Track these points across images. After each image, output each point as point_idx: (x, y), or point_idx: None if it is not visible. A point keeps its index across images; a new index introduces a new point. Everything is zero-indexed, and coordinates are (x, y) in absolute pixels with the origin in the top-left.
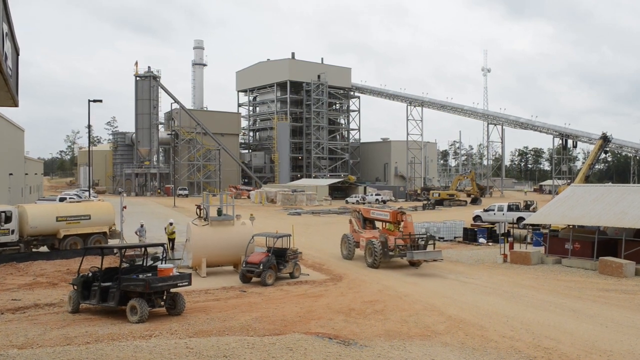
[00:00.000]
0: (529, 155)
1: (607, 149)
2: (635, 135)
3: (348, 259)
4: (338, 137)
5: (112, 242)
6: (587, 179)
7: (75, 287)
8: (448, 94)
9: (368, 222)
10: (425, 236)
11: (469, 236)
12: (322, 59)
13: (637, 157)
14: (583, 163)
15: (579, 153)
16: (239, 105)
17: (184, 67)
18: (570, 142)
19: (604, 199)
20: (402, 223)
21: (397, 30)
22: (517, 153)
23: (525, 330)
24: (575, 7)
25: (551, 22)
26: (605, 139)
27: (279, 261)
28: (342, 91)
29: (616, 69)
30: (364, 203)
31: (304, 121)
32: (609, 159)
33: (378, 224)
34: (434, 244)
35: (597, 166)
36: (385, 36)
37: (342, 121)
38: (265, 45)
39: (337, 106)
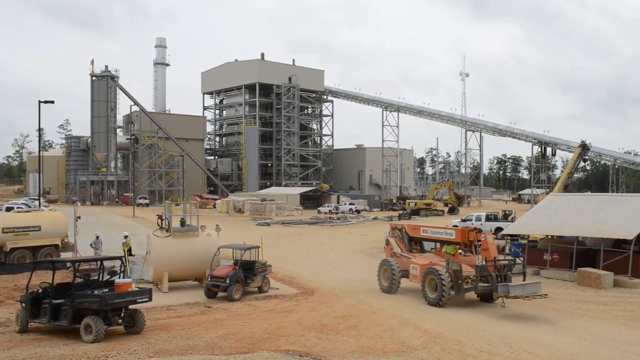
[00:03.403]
0: (508, 163)
1: (586, 157)
2: (611, 142)
3: (390, 292)
4: (310, 143)
5: (64, 255)
6: (566, 188)
7: (24, 304)
8: (417, 97)
9: (414, 243)
10: (510, 261)
11: None
12: (293, 60)
13: (616, 166)
14: (562, 171)
15: (556, 161)
16: (205, 108)
17: (135, 65)
18: (549, 149)
19: (583, 209)
20: (480, 244)
21: (358, 29)
22: (495, 161)
23: (503, 344)
24: (542, 7)
25: (518, 22)
26: (584, 147)
27: (247, 275)
28: (314, 95)
29: (588, 73)
30: (337, 212)
31: (274, 126)
32: (588, 167)
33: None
34: (524, 272)
35: (576, 175)
36: (346, 35)
37: (315, 126)
38: (217, 43)
39: (309, 110)
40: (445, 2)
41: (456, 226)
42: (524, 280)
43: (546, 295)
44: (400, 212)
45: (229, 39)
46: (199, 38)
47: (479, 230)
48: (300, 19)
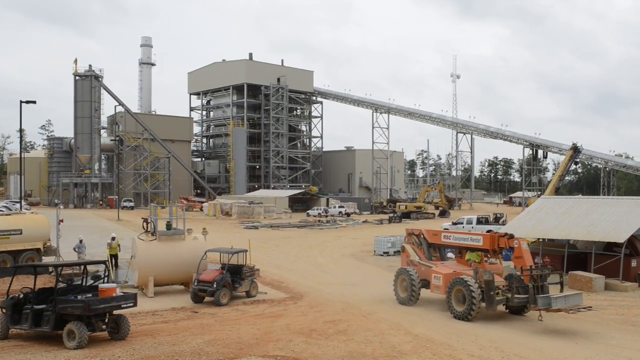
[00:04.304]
0: (499, 165)
1: (578, 160)
2: (602, 144)
3: (408, 304)
4: (299, 145)
5: (46, 259)
6: (557, 191)
7: (4, 310)
8: (404, 98)
9: (432, 250)
10: (545, 270)
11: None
12: (282, 60)
13: (607, 169)
14: (553, 174)
15: (548, 164)
16: (191, 109)
17: (116, 64)
18: (540, 152)
19: (574, 212)
20: (513, 251)
21: (342, 27)
22: (486, 163)
23: (494, 348)
24: (527, 8)
25: (505, 22)
26: (575, 150)
27: (235, 279)
28: (303, 96)
29: (577, 75)
30: (326, 216)
31: (262, 127)
32: (579, 170)
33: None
34: (562, 282)
35: (567, 178)
36: (330, 35)
37: (304, 128)
38: (198, 42)
39: (298, 112)
40: (431, 1)
41: (447, 229)
42: (561, 291)
43: (590, 307)
44: (391, 215)
45: (211, 38)
46: (179, 36)
47: (511, 236)
48: (282, 18)
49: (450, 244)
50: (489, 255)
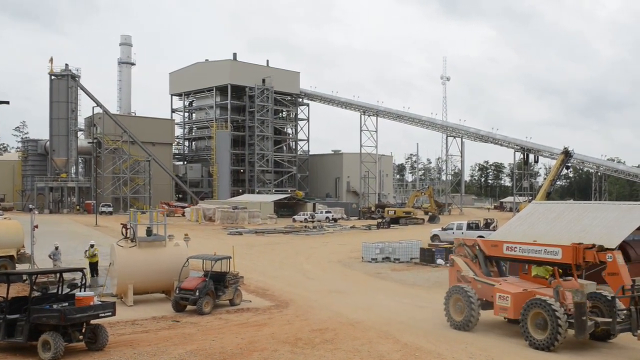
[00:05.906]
0: (490, 170)
1: (569, 164)
2: (592, 148)
3: (465, 329)
4: (285, 148)
5: (20, 267)
6: (548, 196)
7: None
8: (390, 99)
9: (489, 263)
10: None
11: (426, 257)
12: (267, 61)
13: (599, 173)
14: (544, 179)
15: (540, 168)
16: (173, 110)
17: (91, 63)
18: (531, 156)
19: (565, 217)
20: (606, 267)
21: (324, 26)
22: (477, 168)
23: (484, 357)
24: (514, 7)
25: (491, 23)
26: (567, 154)
27: (218, 287)
28: (289, 97)
29: (566, 77)
30: (312, 221)
31: (246, 130)
32: (571, 174)
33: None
34: None
35: (558, 182)
36: (312, 33)
37: (290, 131)
38: (173, 40)
39: (284, 114)
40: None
41: (436, 235)
42: None
43: None
44: (379, 220)
45: (191, 37)
46: (158, 36)
47: (601, 248)
48: (263, 16)
49: (515, 256)
50: (560, 271)
